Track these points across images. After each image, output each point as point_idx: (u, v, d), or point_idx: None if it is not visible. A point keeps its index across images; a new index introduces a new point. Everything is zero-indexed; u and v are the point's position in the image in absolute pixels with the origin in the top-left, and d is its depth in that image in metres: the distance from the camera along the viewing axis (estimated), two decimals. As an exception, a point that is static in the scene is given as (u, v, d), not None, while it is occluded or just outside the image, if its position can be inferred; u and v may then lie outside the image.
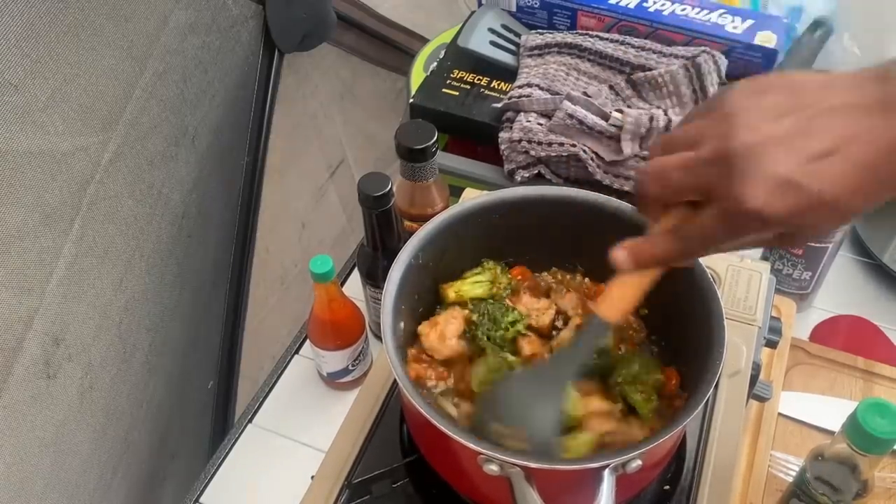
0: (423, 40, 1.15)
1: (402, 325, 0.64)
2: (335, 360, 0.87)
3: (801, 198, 0.43)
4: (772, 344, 0.74)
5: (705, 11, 0.97)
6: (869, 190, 0.43)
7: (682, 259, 0.51)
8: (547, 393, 0.56)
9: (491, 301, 0.67)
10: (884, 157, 0.43)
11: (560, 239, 0.69)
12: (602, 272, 0.66)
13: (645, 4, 0.99)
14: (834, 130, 0.43)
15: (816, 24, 0.86)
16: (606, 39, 0.97)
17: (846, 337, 0.95)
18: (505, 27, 1.04)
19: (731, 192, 0.44)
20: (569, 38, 0.98)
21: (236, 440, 0.88)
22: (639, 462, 0.51)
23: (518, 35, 1.03)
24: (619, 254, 0.52)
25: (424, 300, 0.69)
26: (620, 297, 0.54)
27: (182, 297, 1.04)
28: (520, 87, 0.94)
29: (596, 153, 0.87)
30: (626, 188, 0.86)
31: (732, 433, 0.65)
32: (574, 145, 0.86)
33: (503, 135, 0.91)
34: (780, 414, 0.85)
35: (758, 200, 0.43)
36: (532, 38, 1.00)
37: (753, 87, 0.46)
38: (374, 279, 0.86)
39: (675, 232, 0.50)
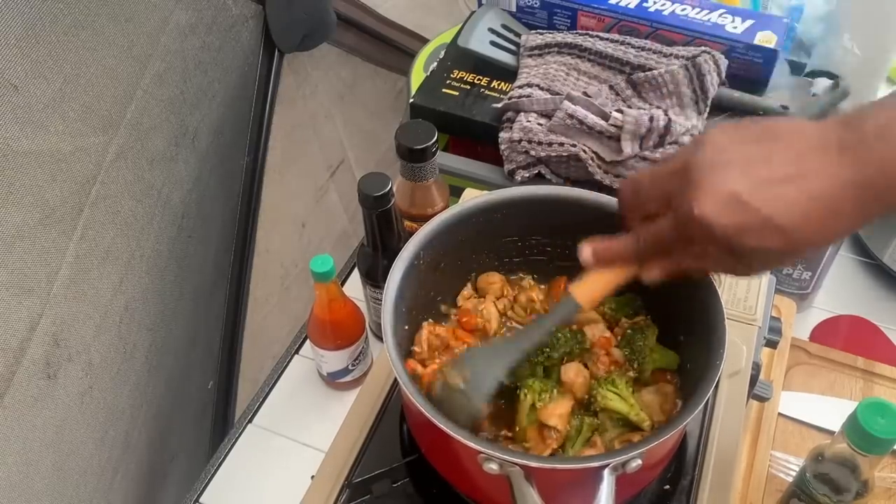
0: (423, 40, 1.15)
1: (402, 325, 0.64)
2: (335, 360, 0.87)
3: (748, 216, 0.46)
4: (772, 344, 0.74)
5: (705, 11, 0.97)
6: (821, 222, 0.46)
7: (636, 259, 0.54)
8: (500, 357, 0.59)
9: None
10: (838, 192, 0.45)
11: (560, 239, 0.69)
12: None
13: (645, 4, 0.99)
14: (792, 164, 0.46)
15: (834, 86, 0.89)
16: (606, 39, 0.97)
17: (846, 337, 0.96)
18: (505, 27, 1.05)
19: (685, 198, 0.47)
20: (569, 38, 0.98)
21: (236, 440, 0.88)
22: (639, 462, 0.51)
23: (518, 35, 1.03)
24: (585, 250, 0.56)
25: (425, 300, 0.69)
26: (594, 287, 0.57)
27: (182, 296, 1.04)
28: (520, 87, 0.94)
29: (596, 153, 0.87)
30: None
31: (732, 433, 0.65)
32: (574, 145, 0.86)
33: (503, 135, 0.91)
34: (780, 414, 0.85)
35: (706, 209, 0.46)
36: (532, 38, 1.00)
37: (733, 124, 0.49)
38: (374, 279, 0.86)
39: (634, 234, 0.54)
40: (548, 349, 0.62)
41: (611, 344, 0.65)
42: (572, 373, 0.62)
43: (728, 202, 0.46)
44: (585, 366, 0.63)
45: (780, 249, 0.47)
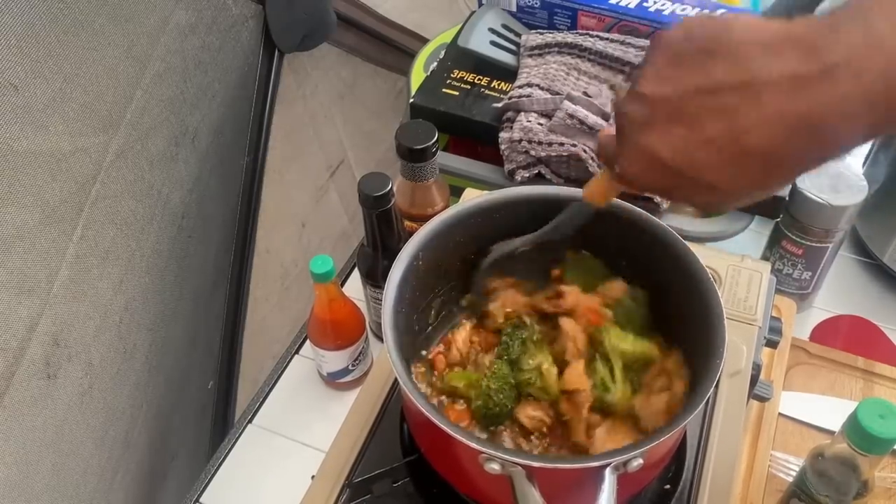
0: (423, 40, 1.15)
1: (402, 325, 0.64)
2: (335, 360, 0.87)
3: (673, 178, 0.44)
4: (772, 344, 0.74)
5: (705, 12, 0.97)
6: (756, 176, 0.42)
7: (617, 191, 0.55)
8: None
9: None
10: (779, 141, 0.40)
11: (560, 239, 0.69)
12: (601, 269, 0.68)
13: (645, 4, 0.99)
14: (733, 96, 0.40)
15: None
16: (607, 39, 0.97)
17: (846, 337, 0.96)
18: (505, 27, 1.05)
19: (617, 159, 0.48)
20: (569, 37, 0.98)
21: (236, 440, 0.88)
22: (640, 461, 0.51)
23: (518, 35, 1.03)
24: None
25: (425, 300, 0.69)
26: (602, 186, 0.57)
27: (182, 296, 1.04)
28: (520, 87, 0.94)
29: (596, 153, 0.87)
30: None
31: (732, 433, 0.65)
32: (574, 145, 0.86)
33: (503, 135, 0.91)
34: (780, 414, 0.85)
35: (629, 172, 0.47)
36: (532, 38, 1.00)
37: (681, 37, 0.43)
38: (374, 279, 0.86)
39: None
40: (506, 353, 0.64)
41: (597, 307, 0.66)
42: (569, 326, 0.63)
43: (650, 166, 0.44)
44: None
45: (717, 201, 0.45)
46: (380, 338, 0.83)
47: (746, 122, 0.40)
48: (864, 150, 1.03)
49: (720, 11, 0.97)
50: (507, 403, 0.62)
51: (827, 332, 0.96)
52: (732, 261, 0.75)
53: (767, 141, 0.40)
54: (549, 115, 0.89)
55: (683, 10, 0.97)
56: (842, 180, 0.86)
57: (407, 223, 0.87)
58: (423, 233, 0.64)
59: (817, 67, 0.38)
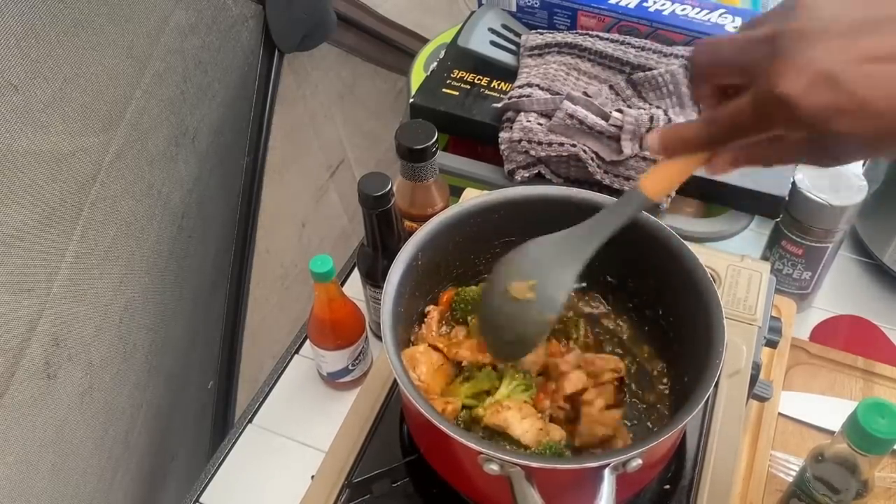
0: (423, 40, 1.15)
1: (401, 324, 0.64)
2: (335, 360, 0.87)
3: (841, 98, 0.39)
4: (772, 344, 0.74)
5: (705, 11, 0.97)
6: None
7: (708, 145, 0.48)
8: (567, 257, 0.54)
9: None
10: None
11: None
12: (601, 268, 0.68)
13: (645, 4, 0.99)
14: None
15: None
16: (606, 39, 0.97)
17: (846, 337, 0.96)
18: (505, 27, 1.04)
19: (770, 72, 0.41)
20: (569, 37, 0.98)
21: (236, 440, 0.88)
22: (639, 461, 0.51)
23: (518, 35, 1.03)
24: (651, 136, 0.50)
25: (424, 300, 0.69)
26: (663, 177, 0.52)
27: (182, 296, 1.04)
28: (520, 87, 0.94)
29: (596, 153, 0.87)
30: (626, 188, 0.86)
31: (732, 433, 0.65)
32: (574, 145, 0.86)
33: (503, 135, 0.91)
34: (780, 414, 0.85)
35: (792, 87, 0.40)
36: (532, 38, 1.00)
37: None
38: (374, 279, 0.86)
39: (706, 116, 0.48)
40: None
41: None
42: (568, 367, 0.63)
43: (818, 80, 0.39)
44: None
45: (874, 137, 0.40)
46: (380, 338, 0.83)
47: None
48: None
49: (720, 11, 0.97)
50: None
51: (827, 332, 0.96)
52: (732, 261, 0.75)
53: None
54: (549, 115, 0.89)
55: (683, 10, 0.98)
56: (842, 180, 0.86)
57: (407, 223, 0.87)
58: (422, 233, 0.64)
59: None
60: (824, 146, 0.42)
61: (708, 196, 0.89)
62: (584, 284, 0.71)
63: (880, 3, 0.40)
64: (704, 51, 0.47)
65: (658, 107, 0.89)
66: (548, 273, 0.54)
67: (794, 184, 0.86)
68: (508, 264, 0.57)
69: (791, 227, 0.89)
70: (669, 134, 0.49)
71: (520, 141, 0.89)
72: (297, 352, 0.97)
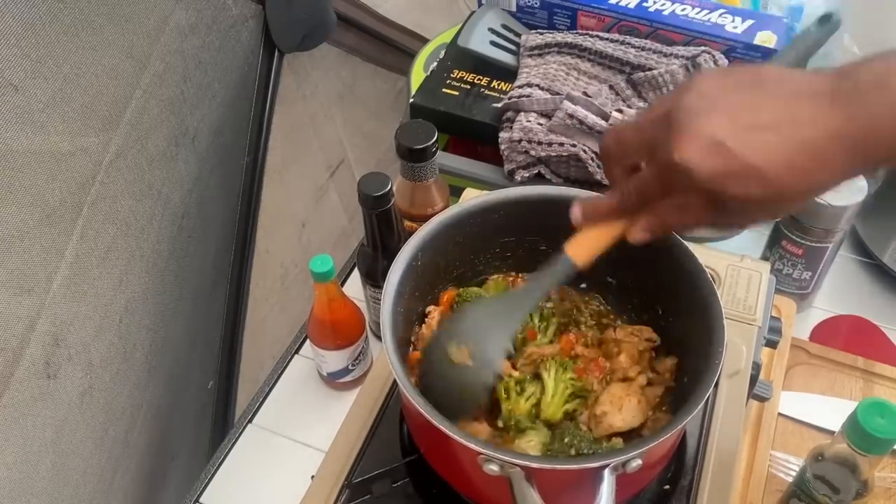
0: (423, 40, 1.15)
1: (401, 325, 0.64)
2: (335, 360, 0.87)
3: (730, 162, 0.44)
4: (772, 344, 0.74)
5: (705, 11, 0.97)
6: (806, 171, 0.44)
7: (620, 213, 0.54)
8: (502, 320, 0.58)
9: None
10: (825, 142, 0.43)
11: (560, 239, 0.69)
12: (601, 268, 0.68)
13: (645, 4, 0.99)
14: (779, 109, 0.45)
15: (826, 18, 0.85)
16: (606, 39, 0.97)
17: (846, 337, 0.95)
18: (505, 27, 1.04)
19: (667, 144, 0.46)
20: (569, 37, 0.98)
21: (236, 440, 0.88)
22: (639, 461, 0.51)
23: (518, 35, 1.03)
24: (574, 209, 0.56)
25: (424, 300, 0.69)
26: (586, 244, 0.57)
27: (182, 296, 1.04)
28: (520, 87, 0.94)
29: (596, 153, 0.87)
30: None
31: (732, 433, 0.65)
32: (574, 145, 0.86)
33: (503, 135, 0.91)
34: (780, 414, 0.85)
35: (688, 154, 0.45)
36: (532, 38, 1.00)
37: (720, 71, 0.51)
38: (374, 279, 0.86)
39: (617, 188, 0.53)
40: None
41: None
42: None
43: (710, 148, 0.45)
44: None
45: (763, 199, 0.45)
46: (379, 338, 0.83)
47: (801, 114, 0.44)
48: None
49: (720, 11, 0.97)
50: None
51: (827, 332, 0.96)
52: (732, 261, 0.75)
53: (811, 138, 0.44)
54: (548, 115, 0.89)
55: (683, 10, 0.97)
56: (842, 180, 0.85)
57: (407, 223, 0.87)
58: (422, 233, 0.64)
59: (852, 85, 0.43)
60: (724, 210, 0.47)
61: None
62: (583, 285, 0.71)
63: (757, 86, 0.46)
64: (611, 138, 0.53)
65: (658, 107, 0.89)
66: (485, 336, 0.58)
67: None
68: (448, 327, 0.60)
69: (791, 227, 0.89)
70: (587, 206, 0.56)
71: (520, 141, 0.89)
72: (297, 352, 0.97)
